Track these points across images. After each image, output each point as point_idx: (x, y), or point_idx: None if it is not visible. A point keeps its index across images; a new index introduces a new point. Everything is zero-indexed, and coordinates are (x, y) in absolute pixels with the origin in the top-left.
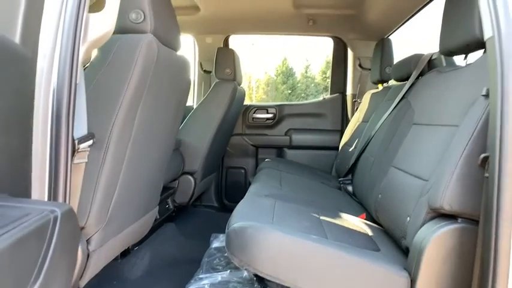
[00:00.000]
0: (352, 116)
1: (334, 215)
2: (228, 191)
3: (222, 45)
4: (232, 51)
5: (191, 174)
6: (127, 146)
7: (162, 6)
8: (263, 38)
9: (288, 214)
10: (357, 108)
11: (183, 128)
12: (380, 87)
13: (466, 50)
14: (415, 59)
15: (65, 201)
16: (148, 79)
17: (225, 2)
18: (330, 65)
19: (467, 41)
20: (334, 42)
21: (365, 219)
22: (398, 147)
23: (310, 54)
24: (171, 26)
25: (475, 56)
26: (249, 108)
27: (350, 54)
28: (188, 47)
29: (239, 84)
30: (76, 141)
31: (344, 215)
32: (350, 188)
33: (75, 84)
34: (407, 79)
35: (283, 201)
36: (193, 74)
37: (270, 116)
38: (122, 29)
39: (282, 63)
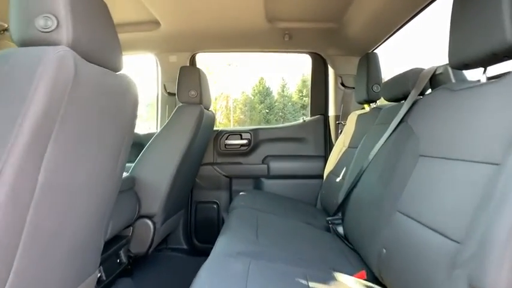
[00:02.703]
0: (336, 140)
1: (327, 277)
2: (199, 230)
3: (188, 65)
4: (197, 70)
5: (149, 217)
6: (31, 195)
7: (89, 12)
8: (239, 57)
9: (266, 282)
10: (341, 132)
11: (139, 163)
12: (367, 107)
13: (488, 61)
14: (412, 74)
15: None
16: (61, 105)
17: (189, 15)
18: (307, 83)
19: (492, 49)
20: (312, 58)
21: (365, 278)
22: (403, 185)
23: (287, 73)
24: (104, 39)
25: (496, 68)
26: (220, 134)
27: (331, 71)
28: (151, 67)
29: (207, 108)
30: None
31: (339, 276)
32: (341, 230)
33: None
34: (403, 99)
35: (259, 260)
36: (157, 97)
37: (244, 142)
38: (25, 40)
39: (259, 82)
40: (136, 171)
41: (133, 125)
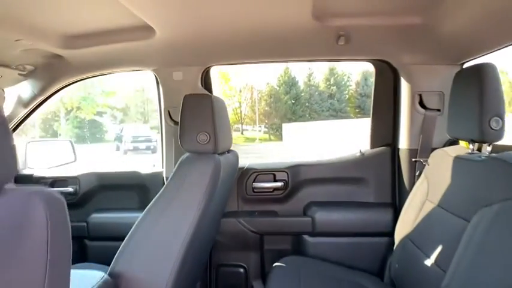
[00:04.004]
0: (410, 185)
1: None
2: None
3: (199, 84)
4: (209, 100)
5: None
6: None
7: None
8: None
9: None
10: (420, 174)
11: (125, 251)
12: (465, 145)
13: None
14: None
15: None
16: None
17: (198, 18)
18: (335, 71)
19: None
20: (377, 68)
21: None
22: None
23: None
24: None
25: None
26: (246, 173)
27: (405, 86)
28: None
29: (223, 152)
30: None
31: None
32: None
33: None
34: None
35: None
36: (160, 127)
37: (279, 184)
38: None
39: (284, 72)
40: (122, 266)
41: None
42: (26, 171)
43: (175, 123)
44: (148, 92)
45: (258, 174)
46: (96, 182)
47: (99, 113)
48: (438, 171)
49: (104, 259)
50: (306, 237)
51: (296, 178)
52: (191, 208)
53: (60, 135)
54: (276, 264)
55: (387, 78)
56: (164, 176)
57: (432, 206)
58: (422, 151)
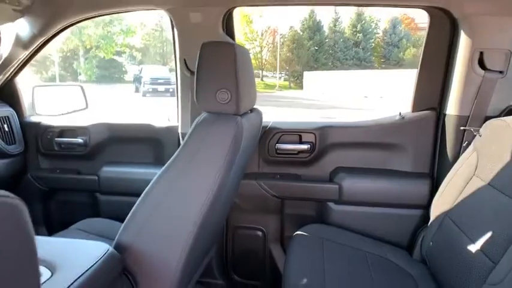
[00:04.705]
0: (455, 156)
1: None
2: (239, 261)
3: (220, 28)
4: (232, 50)
5: None
6: None
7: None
8: None
9: None
10: (468, 144)
11: (131, 223)
12: None
13: None
14: None
15: None
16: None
17: None
18: (362, 17)
19: None
20: (431, 17)
21: None
22: None
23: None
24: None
25: None
26: (269, 133)
27: (464, 41)
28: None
29: (245, 112)
30: None
31: None
32: None
33: None
34: None
35: None
36: (176, 77)
37: (305, 147)
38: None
39: (309, 16)
40: (130, 237)
41: None
42: (33, 119)
43: (192, 73)
44: (168, 32)
45: (282, 135)
46: (107, 133)
47: (118, 53)
48: (492, 144)
49: (116, 214)
50: (330, 204)
51: (324, 141)
52: (209, 176)
53: (80, 74)
54: (297, 232)
55: (443, 31)
56: (180, 131)
57: (481, 183)
58: (474, 119)
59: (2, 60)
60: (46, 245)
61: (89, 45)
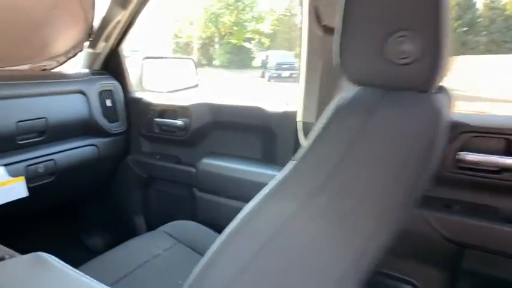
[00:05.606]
0: None
1: None
2: None
3: None
4: None
5: None
6: None
7: None
8: None
9: None
10: None
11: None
12: None
13: None
14: None
15: None
16: None
17: None
18: None
19: None
20: None
21: None
22: None
23: None
24: None
25: None
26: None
27: None
28: None
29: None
30: None
31: None
32: None
33: None
34: None
35: None
36: (301, 36)
37: None
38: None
39: None
40: None
41: None
42: (138, 95)
43: (327, 30)
44: (295, 18)
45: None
46: (209, 117)
47: (248, 39)
48: None
49: (211, 216)
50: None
51: None
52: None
53: (214, 59)
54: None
55: None
56: (300, 119)
57: None
58: None
59: (101, 20)
60: None
61: (224, 32)
